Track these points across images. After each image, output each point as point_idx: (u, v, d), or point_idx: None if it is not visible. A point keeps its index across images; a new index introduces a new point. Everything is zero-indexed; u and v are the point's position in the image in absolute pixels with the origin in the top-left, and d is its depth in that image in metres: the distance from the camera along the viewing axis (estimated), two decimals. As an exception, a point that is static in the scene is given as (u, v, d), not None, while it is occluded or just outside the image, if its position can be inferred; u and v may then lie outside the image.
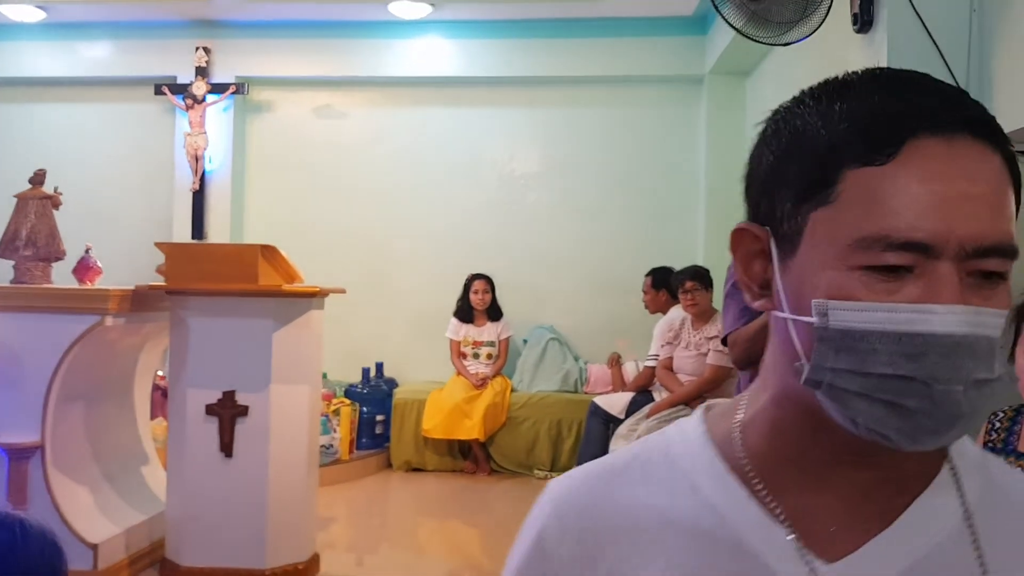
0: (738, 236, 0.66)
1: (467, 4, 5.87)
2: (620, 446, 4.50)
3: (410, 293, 6.32)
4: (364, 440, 5.72)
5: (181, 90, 6.26)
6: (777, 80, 5.20)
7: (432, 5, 5.85)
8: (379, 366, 6.07)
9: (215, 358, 3.30)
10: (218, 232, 6.31)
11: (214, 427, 3.29)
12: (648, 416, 4.50)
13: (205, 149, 6.23)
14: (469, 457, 5.67)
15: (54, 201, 3.63)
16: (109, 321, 3.21)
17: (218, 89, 6.25)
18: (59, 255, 3.59)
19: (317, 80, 6.45)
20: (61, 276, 3.74)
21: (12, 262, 3.56)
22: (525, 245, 6.33)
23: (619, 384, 5.57)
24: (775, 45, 2.67)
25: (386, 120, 6.50)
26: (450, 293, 6.01)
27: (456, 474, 5.62)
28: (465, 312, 5.88)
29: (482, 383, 5.65)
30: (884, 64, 2.47)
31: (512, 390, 5.79)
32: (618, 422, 4.87)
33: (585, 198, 6.32)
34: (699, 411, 0.72)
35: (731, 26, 2.69)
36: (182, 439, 3.32)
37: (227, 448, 3.28)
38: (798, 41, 2.61)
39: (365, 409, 5.75)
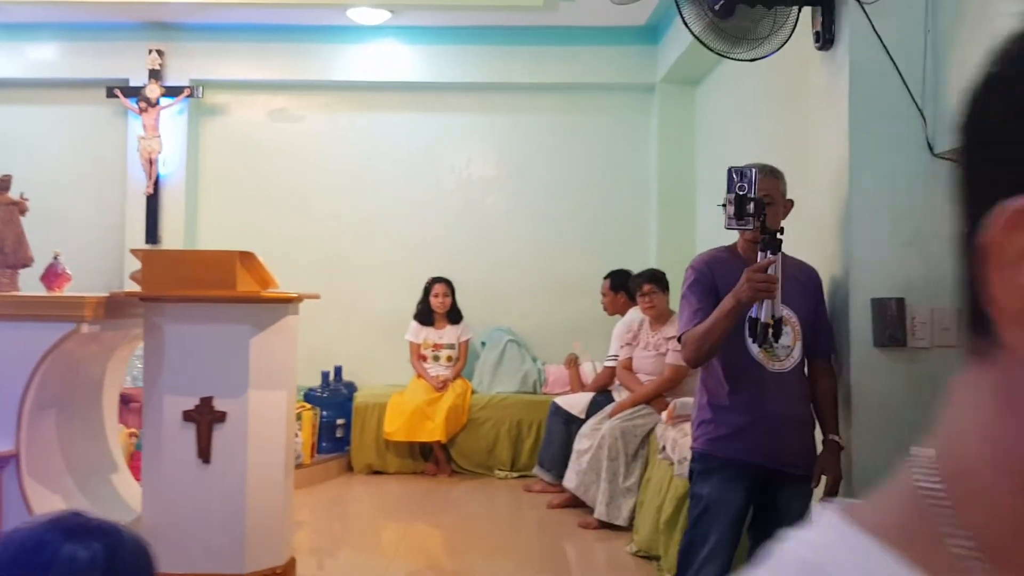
0: (1017, 221, 0.36)
1: (425, 11, 5.93)
2: (584, 445, 4.64)
3: (368, 296, 6.36)
4: (324, 444, 5.74)
5: (134, 93, 6.18)
6: (726, 90, 5.40)
7: (391, 12, 5.90)
8: (337, 369, 6.09)
9: (192, 364, 3.30)
10: (172, 236, 6.25)
11: (191, 433, 3.30)
12: (610, 416, 4.62)
13: (159, 153, 6.17)
14: (430, 459, 5.73)
15: (20, 207, 3.59)
16: (85, 328, 3.19)
17: (172, 92, 6.20)
18: (27, 262, 3.56)
19: (272, 83, 6.44)
20: (27, 283, 3.70)
21: (-23, 270, 3.52)
22: (482, 248, 6.43)
23: (577, 384, 5.69)
24: (743, 60, 2.81)
25: (343, 124, 6.52)
26: (407, 296, 6.07)
27: (418, 476, 5.68)
28: (425, 315, 5.94)
29: (443, 386, 5.73)
30: (846, 81, 2.64)
31: (472, 392, 5.88)
32: (579, 422, 4.99)
33: (541, 202, 6.45)
34: (837, 524, 0.43)
35: (703, 44, 2.83)
36: (159, 446, 3.32)
37: (205, 454, 3.29)
38: (766, 57, 2.76)
39: (325, 413, 5.76)
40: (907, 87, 2.57)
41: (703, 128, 5.95)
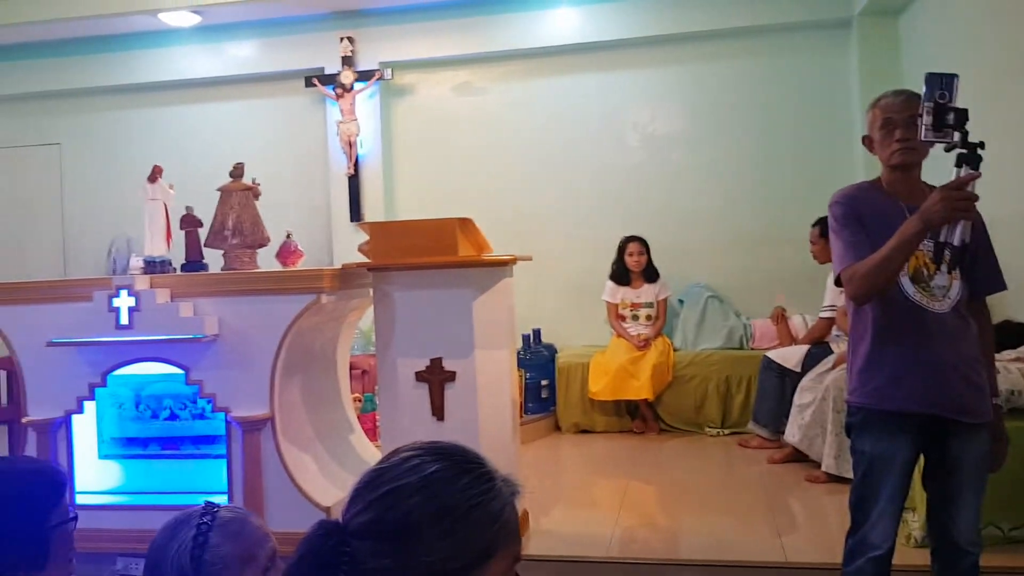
0: None
1: (603, -33, 5.85)
2: (807, 398, 4.49)
3: (560, 259, 6.39)
4: (531, 405, 5.87)
5: (330, 80, 6.50)
6: (937, 16, 5.00)
7: (571, -28, 5.87)
8: (536, 332, 6.19)
9: (421, 328, 3.45)
10: (373, 212, 6.55)
11: (424, 393, 3.45)
12: (834, 366, 4.44)
13: (357, 135, 6.47)
14: (636, 417, 5.74)
15: (254, 192, 3.85)
16: (324, 299, 3.40)
17: (364, 77, 6.47)
18: (263, 242, 3.81)
19: (455, 59, 6.59)
20: (263, 261, 3.97)
21: (221, 251, 3.81)
22: (672, 204, 6.32)
23: (787, 338, 5.50)
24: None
25: (524, 91, 6.58)
26: (599, 257, 6.08)
27: (625, 434, 5.71)
28: (621, 274, 5.92)
29: (645, 344, 5.70)
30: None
31: (674, 349, 5.81)
32: (794, 375, 4.83)
33: (731, 153, 6.25)
34: None
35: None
36: (395, 406, 3.50)
37: (439, 412, 3.44)
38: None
39: (529, 375, 5.88)
40: None
41: (911, 59, 5.54)
